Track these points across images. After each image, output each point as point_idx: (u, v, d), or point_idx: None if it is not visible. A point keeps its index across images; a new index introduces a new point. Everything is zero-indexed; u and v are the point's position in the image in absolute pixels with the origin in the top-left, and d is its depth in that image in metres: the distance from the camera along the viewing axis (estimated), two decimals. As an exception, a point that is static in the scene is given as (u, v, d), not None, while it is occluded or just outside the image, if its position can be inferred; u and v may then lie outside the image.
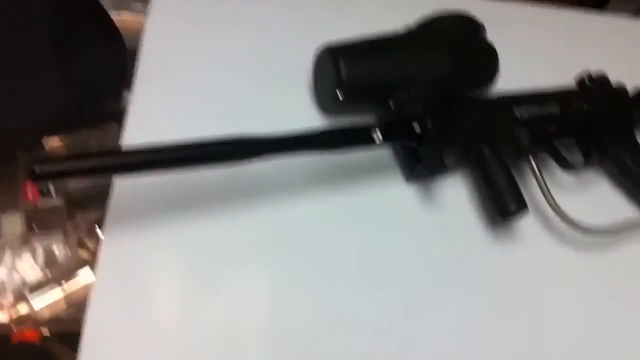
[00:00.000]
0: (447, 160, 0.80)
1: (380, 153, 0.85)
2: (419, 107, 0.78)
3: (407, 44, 0.85)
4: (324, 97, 0.85)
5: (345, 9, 1.01)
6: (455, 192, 0.84)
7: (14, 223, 1.03)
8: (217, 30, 0.92)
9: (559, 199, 0.81)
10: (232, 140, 0.65)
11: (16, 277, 1.01)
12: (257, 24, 0.95)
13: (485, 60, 0.88)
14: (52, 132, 1.09)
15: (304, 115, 0.86)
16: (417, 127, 0.77)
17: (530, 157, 0.81)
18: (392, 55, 0.83)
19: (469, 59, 0.86)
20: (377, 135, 0.74)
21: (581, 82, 0.91)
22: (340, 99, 0.81)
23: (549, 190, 0.80)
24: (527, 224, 0.83)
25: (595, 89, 0.90)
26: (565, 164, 0.85)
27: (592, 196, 0.89)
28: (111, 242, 0.71)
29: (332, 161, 0.79)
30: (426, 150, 0.78)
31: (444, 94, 0.81)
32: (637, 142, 0.90)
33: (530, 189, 0.85)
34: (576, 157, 0.88)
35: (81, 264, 1.02)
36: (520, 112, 0.83)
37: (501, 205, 0.78)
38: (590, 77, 0.91)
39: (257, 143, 0.67)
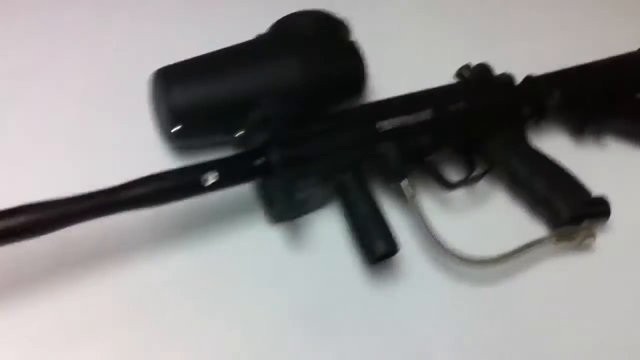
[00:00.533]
0: (308, 194, 0.69)
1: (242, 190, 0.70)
2: (263, 133, 0.67)
3: (249, 55, 0.73)
4: (164, 127, 0.73)
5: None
6: (328, 229, 0.72)
7: None
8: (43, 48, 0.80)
9: (447, 223, 0.70)
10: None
11: None
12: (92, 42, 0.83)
13: (347, 64, 0.76)
14: None
15: (148, 150, 0.74)
16: (258, 160, 0.64)
17: (404, 181, 0.69)
18: (230, 72, 0.70)
19: (326, 65, 0.74)
20: (209, 178, 0.62)
21: (459, 76, 0.80)
22: (172, 129, 0.69)
23: (426, 222, 0.68)
24: (410, 259, 0.70)
25: (474, 83, 0.78)
26: (444, 183, 0.73)
27: (486, 214, 0.77)
28: None
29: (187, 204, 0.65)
30: (275, 186, 0.66)
31: (296, 112, 0.70)
32: (528, 143, 0.78)
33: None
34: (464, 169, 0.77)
35: None
36: (384, 124, 0.70)
37: (366, 248, 0.65)
38: (468, 69, 0.80)
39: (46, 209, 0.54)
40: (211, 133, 0.72)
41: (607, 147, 0.86)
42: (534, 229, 0.76)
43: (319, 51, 0.74)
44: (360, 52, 0.76)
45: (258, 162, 0.64)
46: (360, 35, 0.79)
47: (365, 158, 0.69)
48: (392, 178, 0.70)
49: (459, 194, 0.77)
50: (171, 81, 0.69)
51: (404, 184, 0.69)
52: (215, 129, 0.71)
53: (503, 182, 0.78)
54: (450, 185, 0.73)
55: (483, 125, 0.76)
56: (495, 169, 0.76)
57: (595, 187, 0.76)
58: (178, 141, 0.71)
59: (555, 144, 0.84)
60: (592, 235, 0.73)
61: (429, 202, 0.75)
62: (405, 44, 0.93)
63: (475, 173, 0.75)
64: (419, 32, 0.95)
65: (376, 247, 0.64)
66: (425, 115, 0.73)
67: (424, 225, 0.68)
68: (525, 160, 0.76)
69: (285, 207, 0.66)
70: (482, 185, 0.77)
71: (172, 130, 0.68)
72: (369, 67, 0.76)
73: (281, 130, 0.66)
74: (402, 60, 0.88)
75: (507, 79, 0.79)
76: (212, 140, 0.73)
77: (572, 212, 0.73)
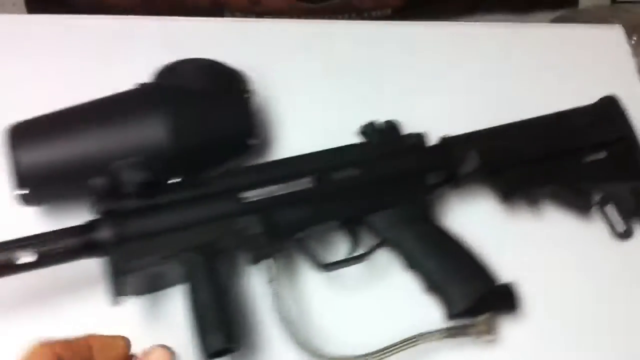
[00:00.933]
0: (158, 270, 0.62)
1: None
2: (107, 202, 0.60)
3: (112, 110, 0.66)
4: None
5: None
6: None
7: None
8: None
9: (331, 302, 0.64)
10: None
11: None
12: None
13: (229, 121, 0.68)
14: None
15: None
16: (85, 237, 0.58)
17: (269, 260, 0.62)
18: (83, 130, 0.64)
19: (200, 122, 0.67)
20: (21, 257, 0.56)
21: (364, 134, 0.71)
22: (16, 193, 0.63)
23: (280, 312, 0.61)
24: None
25: (376, 144, 0.69)
26: (317, 264, 0.64)
27: (383, 292, 0.68)
28: None
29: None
30: (108, 263, 0.60)
31: (161, 176, 0.63)
32: (429, 218, 0.68)
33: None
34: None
35: None
36: (249, 194, 0.63)
37: (200, 341, 0.58)
38: (372, 126, 0.70)
39: None
40: (68, 197, 0.66)
41: (543, 216, 0.75)
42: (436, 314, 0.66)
43: (195, 105, 0.67)
44: (250, 106, 0.69)
45: (84, 239, 0.58)
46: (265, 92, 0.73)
47: (223, 235, 0.61)
48: (255, 257, 0.62)
49: (353, 268, 0.68)
50: (17, 139, 0.63)
51: (269, 263, 0.62)
52: (71, 193, 0.65)
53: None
54: (324, 266, 0.65)
55: (376, 196, 0.66)
56: (386, 246, 0.67)
57: (521, 263, 0.68)
58: (30, 203, 0.66)
59: (485, 210, 0.74)
60: (488, 331, 0.63)
61: (313, 277, 0.68)
62: (314, 99, 0.81)
63: (357, 252, 0.66)
64: (329, 89, 0.82)
65: (209, 342, 0.57)
66: (303, 184, 0.64)
67: (279, 314, 0.61)
68: (421, 239, 0.66)
69: (118, 286, 0.59)
70: (382, 258, 0.68)
71: (16, 194, 0.63)
72: (271, 125, 0.70)
73: (127, 201, 0.60)
74: (310, 119, 0.78)
75: (416, 139, 0.69)
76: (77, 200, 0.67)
77: (467, 303, 0.64)
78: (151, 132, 0.64)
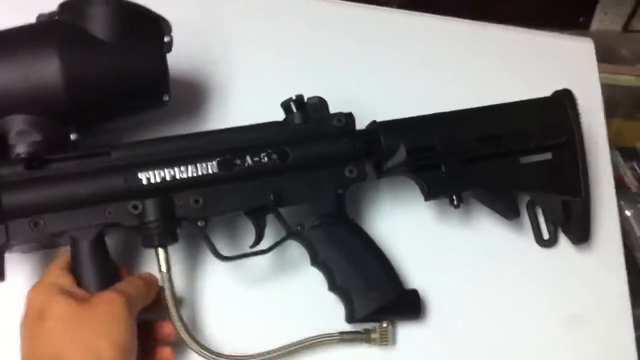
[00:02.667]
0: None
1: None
2: None
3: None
4: None
5: None
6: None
7: None
8: None
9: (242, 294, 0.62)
10: None
11: None
12: None
13: (139, 70, 0.60)
14: None
15: None
16: None
17: (160, 249, 0.57)
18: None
19: (102, 68, 0.59)
20: None
21: (286, 109, 0.64)
22: None
23: (170, 305, 0.57)
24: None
25: (299, 123, 0.62)
26: (216, 254, 0.60)
27: (291, 287, 0.66)
28: None
29: None
30: None
31: (43, 144, 0.57)
32: (341, 212, 0.63)
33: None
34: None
35: None
36: (147, 175, 0.57)
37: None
38: (299, 103, 0.63)
39: None
40: None
41: (468, 216, 0.71)
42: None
43: (97, 46, 0.59)
44: (164, 57, 0.61)
45: None
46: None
47: (114, 216, 0.56)
48: (145, 242, 0.57)
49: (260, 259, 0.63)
50: None
51: (161, 253, 0.57)
52: None
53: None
54: (223, 257, 0.60)
55: (289, 187, 0.61)
56: (291, 240, 0.62)
57: (436, 267, 0.67)
58: None
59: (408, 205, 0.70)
60: (386, 339, 0.61)
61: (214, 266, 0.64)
62: (252, 71, 0.75)
63: (260, 245, 0.62)
64: (270, 64, 0.75)
65: None
66: (208, 167, 0.58)
67: (170, 308, 0.57)
68: (329, 237, 0.62)
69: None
70: (292, 249, 0.64)
71: None
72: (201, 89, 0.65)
73: (12, 168, 0.55)
74: (246, 90, 0.72)
75: (345, 121, 0.63)
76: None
77: (368, 311, 0.61)
78: (43, 75, 0.57)
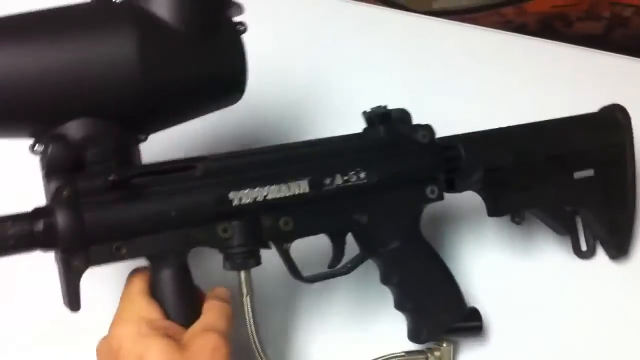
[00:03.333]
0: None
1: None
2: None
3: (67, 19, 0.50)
4: None
5: None
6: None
7: None
8: None
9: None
10: None
11: None
12: None
13: (217, 62, 0.54)
14: None
15: None
16: (33, 226, 0.46)
17: (241, 272, 0.53)
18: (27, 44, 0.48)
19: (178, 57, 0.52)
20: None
21: (369, 121, 0.60)
22: None
23: (253, 335, 0.54)
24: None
25: (385, 138, 0.59)
26: (297, 276, 0.57)
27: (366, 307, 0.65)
28: None
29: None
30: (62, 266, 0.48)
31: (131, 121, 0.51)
32: (417, 233, 0.61)
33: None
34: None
35: None
36: (239, 195, 0.52)
37: None
38: (384, 117, 0.59)
39: None
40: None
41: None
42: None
43: (170, 33, 0.52)
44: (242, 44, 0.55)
45: (33, 228, 0.46)
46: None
47: (200, 242, 0.51)
48: (231, 265, 0.53)
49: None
50: None
51: (243, 276, 0.53)
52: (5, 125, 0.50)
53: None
54: (305, 279, 0.57)
55: (376, 205, 0.58)
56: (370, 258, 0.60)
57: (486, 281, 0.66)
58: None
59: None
60: (448, 358, 0.62)
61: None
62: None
63: (341, 265, 0.59)
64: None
65: None
66: (299, 187, 0.54)
67: (251, 336, 0.54)
68: (407, 256, 0.60)
69: (73, 292, 0.48)
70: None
71: None
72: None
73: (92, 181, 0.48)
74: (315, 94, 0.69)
75: (428, 135, 0.60)
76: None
77: (437, 335, 0.62)
78: (117, 70, 0.49)
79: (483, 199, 0.65)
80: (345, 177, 0.56)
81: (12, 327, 0.60)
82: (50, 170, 0.47)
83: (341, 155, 0.57)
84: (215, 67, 0.55)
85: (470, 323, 0.62)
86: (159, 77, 0.51)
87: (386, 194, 0.58)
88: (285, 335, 0.62)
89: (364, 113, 0.59)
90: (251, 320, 0.54)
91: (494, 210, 0.65)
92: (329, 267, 0.59)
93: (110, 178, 0.47)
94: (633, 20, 0.94)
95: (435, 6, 0.95)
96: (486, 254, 0.70)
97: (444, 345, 0.62)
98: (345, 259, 0.59)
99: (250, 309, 0.54)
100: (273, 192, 0.53)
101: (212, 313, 0.50)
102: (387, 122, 0.59)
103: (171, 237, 0.50)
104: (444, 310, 0.61)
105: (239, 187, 0.52)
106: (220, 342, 0.47)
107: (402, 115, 0.60)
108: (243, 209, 0.52)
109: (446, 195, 0.61)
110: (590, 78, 0.82)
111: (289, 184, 0.54)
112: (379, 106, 0.59)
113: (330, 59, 0.76)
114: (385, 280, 0.60)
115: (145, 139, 0.54)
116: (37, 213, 0.47)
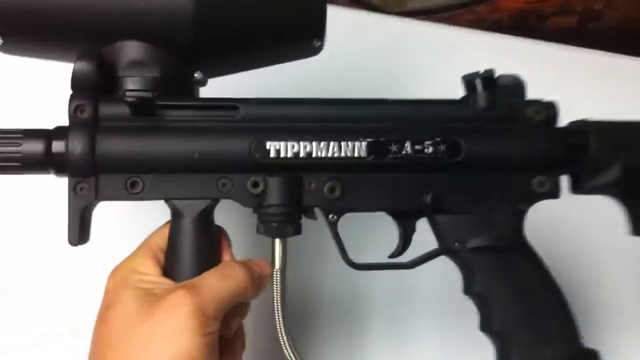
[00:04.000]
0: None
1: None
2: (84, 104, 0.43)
3: None
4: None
5: None
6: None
7: None
8: None
9: None
10: None
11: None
12: None
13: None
14: None
15: None
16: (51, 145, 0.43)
17: (277, 240, 0.45)
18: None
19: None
20: None
21: (468, 85, 0.48)
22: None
23: (279, 314, 0.45)
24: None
25: (486, 106, 0.46)
26: (346, 260, 0.47)
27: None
28: None
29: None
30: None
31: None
32: (522, 237, 0.47)
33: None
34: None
35: None
36: (279, 146, 0.44)
37: None
38: (488, 81, 0.47)
39: None
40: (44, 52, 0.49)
41: None
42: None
43: None
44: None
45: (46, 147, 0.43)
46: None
47: (230, 191, 0.44)
48: (263, 231, 0.45)
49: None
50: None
51: (277, 245, 0.45)
52: (57, 49, 0.48)
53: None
54: (356, 266, 0.47)
55: (459, 190, 0.46)
56: (447, 256, 0.48)
57: None
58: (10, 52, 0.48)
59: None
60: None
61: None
62: None
63: (401, 257, 0.48)
64: None
65: None
66: (355, 149, 0.44)
67: (277, 315, 0.45)
68: (501, 266, 0.47)
69: (81, 225, 0.44)
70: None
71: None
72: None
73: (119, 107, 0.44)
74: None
75: (545, 112, 0.46)
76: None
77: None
78: None
79: (626, 211, 0.48)
80: (418, 147, 0.45)
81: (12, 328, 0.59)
82: (75, 87, 0.44)
83: (419, 120, 0.46)
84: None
85: None
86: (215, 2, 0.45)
87: (474, 178, 0.45)
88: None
89: (464, 77, 0.47)
90: (279, 300, 0.45)
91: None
92: (390, 256, 0.48)
93: (129, 100, 0.42)
94: (605, 13, 0.94)
95: (410, 6, 0.94)
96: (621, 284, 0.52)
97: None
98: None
99: (279, 287, 0.45)
100: (320, 149, 0.44)
101: (209, 273, 0.43)
102: (490, 89, 0.46)
103: (193, 181, 0.44)
104: (543, 341, 0.46)
105: (280, 136, 0.44)
106: (184, 298, 0.40)
107: (514, 84, 0.47)
108: (282, 164, 0.44)
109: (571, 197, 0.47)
110: (565, 74, 0.71)
111: (343, 143, 0.44)
112: (485, 70, 0.47)
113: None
114: (466, 289, 0.47)
115: (204, 80, 0.49)
116: (54, 132, 0.43)
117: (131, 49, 0.46)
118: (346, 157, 0.44)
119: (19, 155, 0.43)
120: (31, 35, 0.47)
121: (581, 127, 0.47)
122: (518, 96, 0.47)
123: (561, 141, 0.46)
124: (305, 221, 0.46)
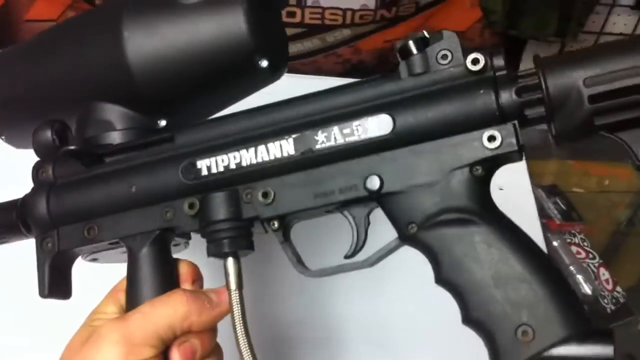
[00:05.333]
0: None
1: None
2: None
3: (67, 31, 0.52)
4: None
5: None
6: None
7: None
8: None
9: None
10: None
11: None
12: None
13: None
14: None
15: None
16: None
17: (229, 260, 0.44)
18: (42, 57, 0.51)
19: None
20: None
21: (401, 52, 0.43)
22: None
23: (237, 330, 0.43)
24: None
25: (413, 76, 0.42)
26: (299, 267, 0.44)
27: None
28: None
29: None
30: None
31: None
32: (486, 208, 0.41)
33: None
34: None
35: None
36: (206, 163, 0.44)
37: None
38: (420, 42, 0.42)
39: None
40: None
41: None
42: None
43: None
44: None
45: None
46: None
47: (172, 220, 0.45)
48: (212, 251, 0.44)
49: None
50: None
51: (230, 265, 0.44)
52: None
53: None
54: (310, 272, 0.44)
55: (396, 165, 0.42)
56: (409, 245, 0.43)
57: None
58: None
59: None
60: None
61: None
62: None
63: (358, 255, 0.43)
64: None
65: None
66: (282, 148, 0.43)
67: (238, 342, 0.43)
68: (459, 240, 0.40)
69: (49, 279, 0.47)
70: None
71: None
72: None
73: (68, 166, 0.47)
74: None
75: (486, 60, 0.41)
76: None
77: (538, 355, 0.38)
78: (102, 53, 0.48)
79: (625, 146, 0.40)
80: (347, 131, 0.42)
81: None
82: (38, 153, 0.48)
83: (349, 104, 0.43)
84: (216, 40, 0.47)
85: (590, 347, 0.38)
86: (152, 61, 0.47)
87: (413, 150, 0.41)
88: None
89: (396, 44, 0.43)
90: (240, 323, 0.43)
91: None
92: (346, 256, 0.44)
93: (64, 150, 0.45)
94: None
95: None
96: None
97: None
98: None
99: (239, 311, 0.43)
100: (248, 157, 0.43)
101: (147, 302, 0.43)
102: (423, 51, 0.42)
103: (141, 216, 0.45)
104: (532, 321, 0.38)
105: (209, 153, 0.44)
106: (111, 327, 0.41)
107: (448, 40, 0.42)
108: (215, 180, 0.44)
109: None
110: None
111: (270, 144, 0.43)
112: (415, 35, 0.43)
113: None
114: (437, 278, 0.42)
115: (168, 125, 0.50)
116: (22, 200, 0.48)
117: (91, 110, 0.49)
118: (275, 159, 0.43)
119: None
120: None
121: (530, 69, 0.41)
122: (454, 52, 0.42)
123: (507, 87, 0.40)
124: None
